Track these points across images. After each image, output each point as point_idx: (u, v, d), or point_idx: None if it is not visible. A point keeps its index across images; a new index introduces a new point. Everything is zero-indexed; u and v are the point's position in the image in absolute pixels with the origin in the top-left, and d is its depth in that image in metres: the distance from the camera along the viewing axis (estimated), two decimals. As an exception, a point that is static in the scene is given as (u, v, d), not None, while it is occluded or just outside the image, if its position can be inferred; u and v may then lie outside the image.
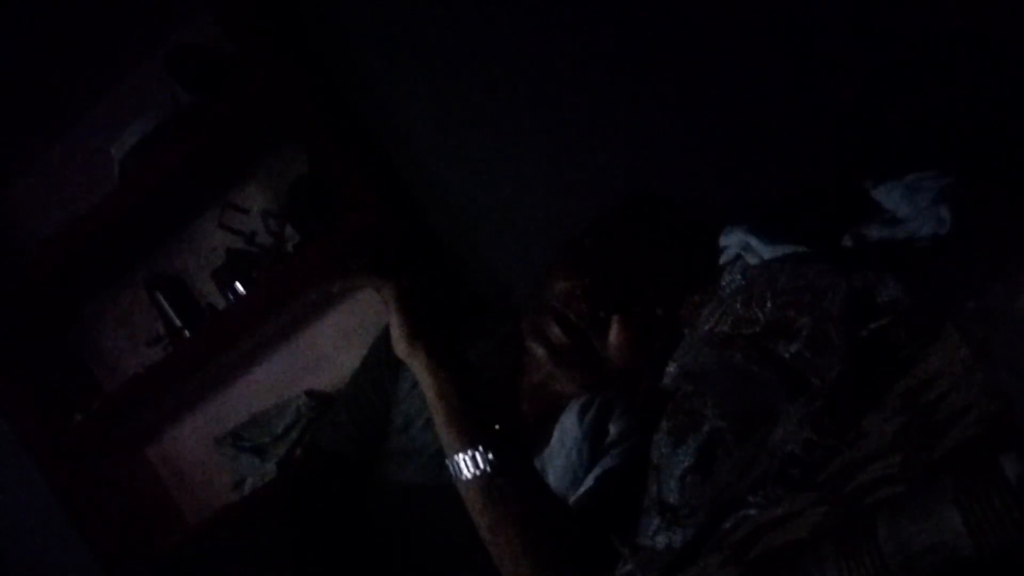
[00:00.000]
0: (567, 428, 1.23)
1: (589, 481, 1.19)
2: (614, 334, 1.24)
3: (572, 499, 1.17)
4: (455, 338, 1.08)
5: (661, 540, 0.97)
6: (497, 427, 1.05)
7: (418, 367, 1.06)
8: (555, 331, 1.25)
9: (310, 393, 2.14)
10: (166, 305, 2.17)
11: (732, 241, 1.19)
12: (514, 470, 1.05)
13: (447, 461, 1.05)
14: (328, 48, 1.99)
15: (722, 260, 1.20)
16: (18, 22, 1.93)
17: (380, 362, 1.46)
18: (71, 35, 1.97)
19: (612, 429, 1.22)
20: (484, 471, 1.02)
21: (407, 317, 1.06)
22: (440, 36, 1.90)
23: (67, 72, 2.06)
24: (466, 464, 1.03)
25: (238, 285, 2.08)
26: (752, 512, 0.93)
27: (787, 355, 0.98)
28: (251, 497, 2.05)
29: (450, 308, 1.11)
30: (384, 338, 1.48)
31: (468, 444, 1.03)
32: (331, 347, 2.15)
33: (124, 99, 2.17)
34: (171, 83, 2.03)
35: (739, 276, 1.13)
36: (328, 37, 1.99)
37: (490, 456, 1.02)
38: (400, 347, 1.07)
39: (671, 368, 1.13)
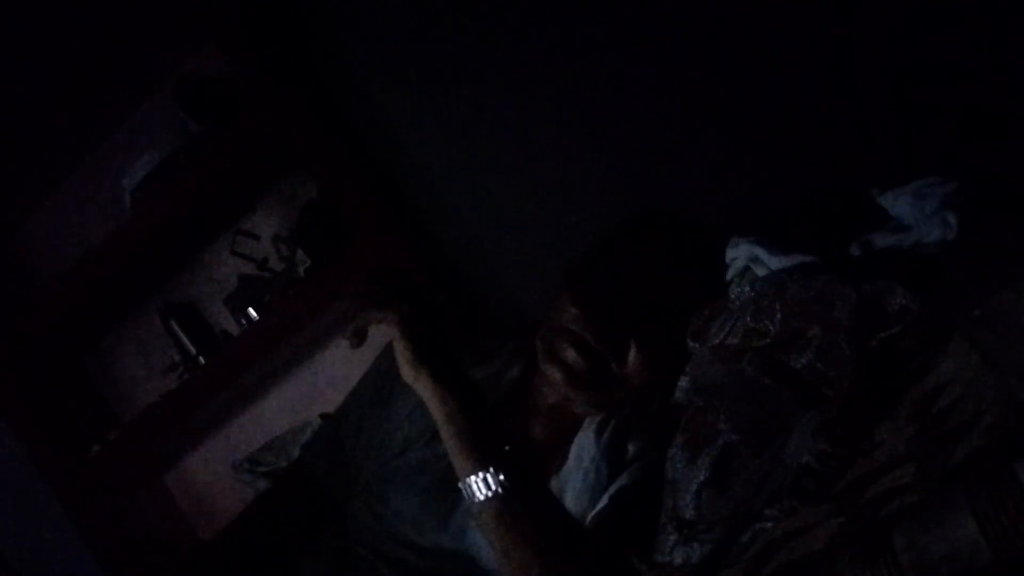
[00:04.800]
0: (584, 447, 1.23)
1: (606, 499, 1.18)
2: (632, 355, 1.23)
3: (590, 518, 1.16)
4: (459, 361, 1.08)
5: (679, 556, 0.97)
6: (508, 448, 1.05)
7: (424, 392, 1.06)
8: (571, 354, 1.24)
9: (324, 416, 2.14)
10: (180, 333, 2.18)
11: (739, 253, 1.19)
12: (527, 491, 1.04)
13: (460, 485, 1.05)
14: (334, 74, 2.01)
15: (730, 273, 1.20)
16: (28, 59, 1.95)
17: (375, 386, 1.46)
18: (80, 71, 2.00)
19: (630, 448, 1.21)
20: (496, 492, 1.02)
21: (410, 343, 1.06)
22: (447, 60, 1.91)
23: (77, 108, 2.09)
24: (478, 487, 1.03)
25: (251, 311, 2.09)
26: (768, 525, 0.93)
27: (798, 366, 0.99)
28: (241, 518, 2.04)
29: (453, 331, 1.11)
30: (381, 362, 1.48)
31: (479, 466, 1.03)
32: (345, 369, 2.15)
33: (134, 131, 2.20)
34: (180, 114, 2.05)
35: (747, 288, 1.13)
36: (334, 63, 2.01)
37: (501, 477, 1.02)
38: (405, 372, 1.07)
39: (683, 382, 1.13)
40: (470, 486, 1.04)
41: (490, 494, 1.02)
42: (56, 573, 2.28)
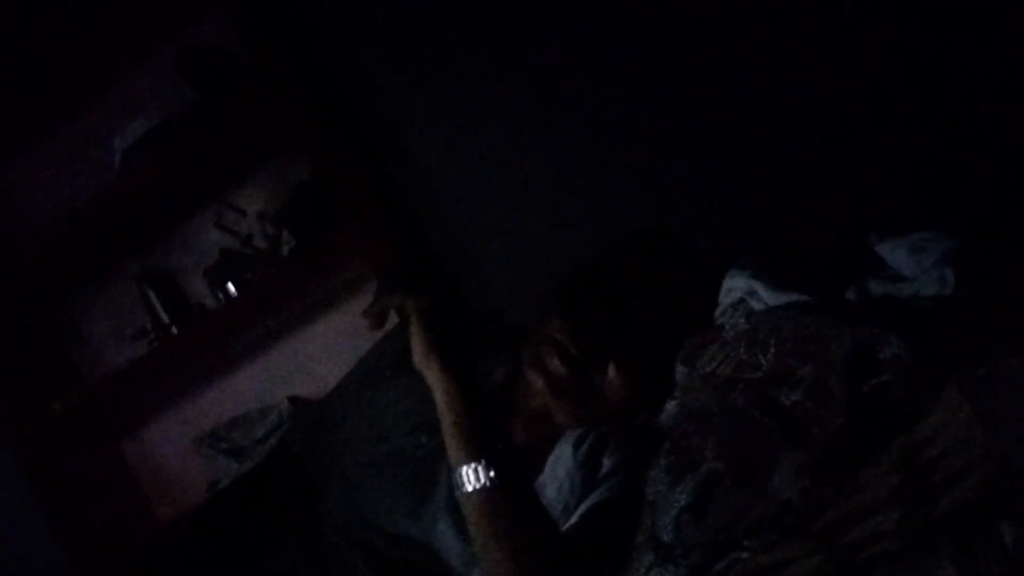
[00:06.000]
0: (561, 459, 1.24)
1: (580, 511, 1.20)
2: (613, 372, 1.25)
3: (562, 529, 1.17)
4: (468, 355, 1.11)
5: (653, 577, 0.98)
6: (502, 445, 1.08)
7: (431, 377, 1.09)
8: (555, 363, 1.25)
9: (293, 400, 2.14)
10: (155, 301, 2.16)
11: (737, 285, 1.20)
12: (513, 489, 1.06)
13: (452, 474, 1.07)
14: (338, 59, 2.01)
15: (726, 303, 1.22)
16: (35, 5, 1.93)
17: (363, 376, 1.46)
18: (86, 24, 1.97)
19: (606, 462, 1.22)
20: (484, 485, 1.04)
21: (426, 329, 1.08)
22: (452, 56, 1.92)
23: (78, 61, 2.06)
24: (467, 476, 1.05)
25: (230, 286, 2.08)
26: (745, 556, 0.94)
27: (788, 403, 1.00)
28: (221, 495, 2.03)
29: (468, 327, 1.13)
30: (371, 354, 1.48)
31: (471, 457, 1.05)
32: (317, 356, 2.15)
33: (132, 93, 2.18)
34: (180, 81, 2.03)
35: (743, 320, 1.15)
36: (339, 48, 2.01)
37: (491, 472, 1.04)
38: (417, 357, 1.09)
39: (670, 405, 1.14)
40: (460, 475, 1.06)
41: (478, 485, 1.05)
42: (5, 521, 2.24)
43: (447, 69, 1.93)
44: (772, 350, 1.05)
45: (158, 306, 2.15)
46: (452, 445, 1.07)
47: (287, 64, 1.94)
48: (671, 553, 0.98)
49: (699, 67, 1.71)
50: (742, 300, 1.19)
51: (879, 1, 1.60)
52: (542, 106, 1.85)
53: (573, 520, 1.18)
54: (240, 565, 1.42)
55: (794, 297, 1.12)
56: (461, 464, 1.06)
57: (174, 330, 2.13)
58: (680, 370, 1.19)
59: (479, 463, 1.05)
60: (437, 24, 1.93)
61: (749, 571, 0.91)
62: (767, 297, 1.15)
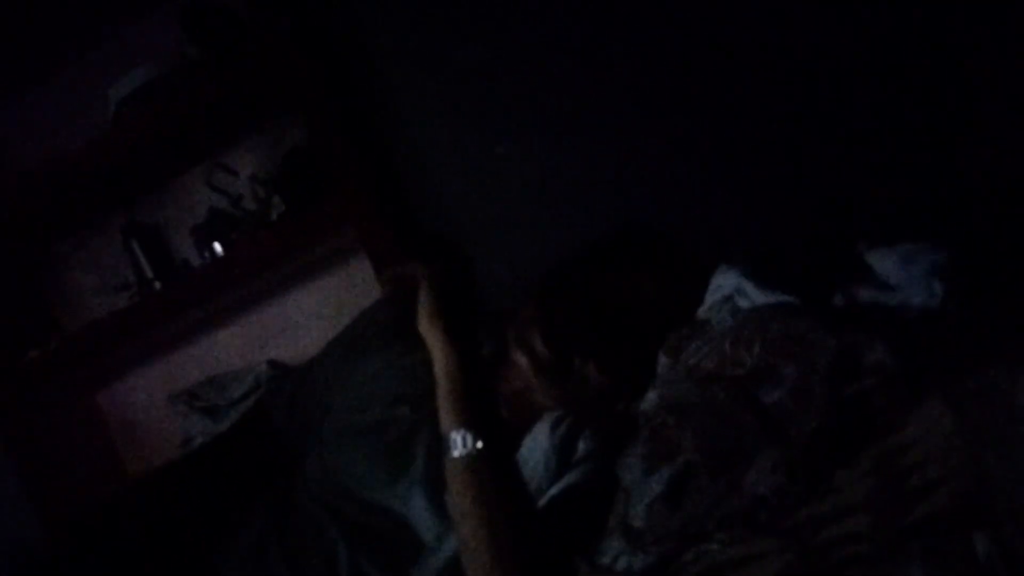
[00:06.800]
0: (538, 440, 1.25)
1: (550, 493, 1.21)
2: (594, 358, 1.26)
3: (534, 509, 1.18)
4: (473, 328, 1.12)
5: (622, 563, 0.99)
6: (492, 417, 1.09)
7: (433, 342, 1.11)
8: (539, 343, 1.27)
9: (272, 363, 2.14)
10: (140, 254, 2.16)
11: (726, 281, 1.21)
12: (499, 459, 1.07)
13: (443, 437, 1.08)
14: (342, 28, 1.99)
15: (713, 299, 1.22)
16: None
17: (348, 344, 1.46)
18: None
19: (581, 446, 1.24)
20: (471, 452, 1.06)
21: (436, 296, 1.11)
22: (453, 38, 1.91)
23: (80, 6, 2.03)
24: (455, 442, 1.07)
25: (216, 245, 2.07)
26: (715, 547, 0.95)
27: (769, 401, 1.01)
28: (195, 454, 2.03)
29: (475, 298, 1.15)
30: (357, 323, 1.48)
31: (461, 424, 1.07)
32: (300, 321, 2.15)
33: (131, 44, 2.16)
34: (181, 35, 2.01)
35: (729, 317, 1.15)
36: (343, 18, 1.99)
37: (479, 443, 1.06)
38: (422, 321, 1.11)
39: (651, 395, 1.15)
40: (449, 439, 1.07)
41: (465, 451, 1.06)
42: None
43: (446, 43, 1.92)
44: (757, 348, 1.06)
45: (142, 260, 2.14)
46: (445, 409, 1.09)
47: (289, 27, 1.93)
48: (641, 540, 0.99)
49: (692, 66, 1.71)
50: (730, 297, 1.20)
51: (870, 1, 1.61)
52: (537, 88, 1.85)
53: (544, 501, 1.20)
54: (209, 525, 1.42)
55: (782, 298, 1.13)
56: (452, 429, 1.07)
57: (157, 285, 2.13)
58: (663, 361, 1.20)
59: (469, 430, 1.06)
60: (444, 10, 1.92)
61: (717, 564, 0.92)
62: (755, 296, 1.16)
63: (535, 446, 1.26)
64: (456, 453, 1.06)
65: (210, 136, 2.10)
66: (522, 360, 1.27)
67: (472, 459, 1.06)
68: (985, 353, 0.76)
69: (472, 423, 1.07)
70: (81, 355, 2.13)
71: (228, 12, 2.02)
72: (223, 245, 2.06)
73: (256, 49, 1.93)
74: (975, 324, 0.96)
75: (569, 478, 1.22)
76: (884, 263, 1.17)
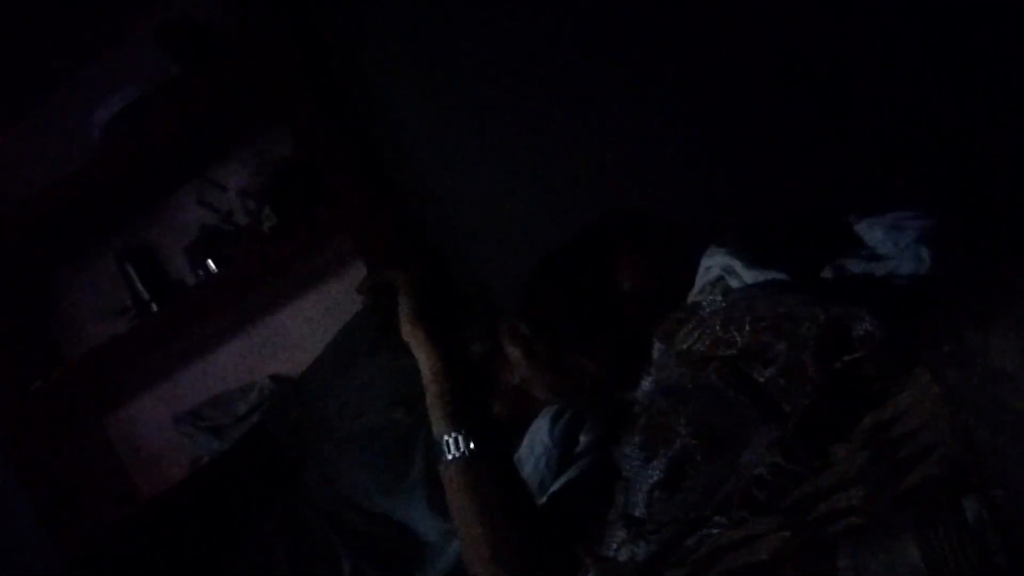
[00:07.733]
0: (538, 435, 1.25)
1: (553, 488, 1.20)
2: (587, 351, 1.25)
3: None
4: (455, 330, 1.14)
5: (624, 553, 0.98)
6: (483, 416, 1.10)
7: (417, 347, 1.12)
8: (530, 334, 1.26)
9: (274, 377, 2.14)
10: (135, 277, 2.16)
11: (715, 262, 1.19)
12: (494, 459, 1.08)
13: (434, 443, 1.09)
14: (325, 34, 1.98)
15: (703, 280, 1.21)
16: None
17: (339, 353, 1.46)
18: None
19: (582, 440, 1.23)
20: (463, 454, 1.06)
21: (415, 301, 1.12)
22: (438, 36, 1.90)
23: (58, 33, 2.04)
24: (447, 445, 1.07)
25: (210, 263, 2.07)
26: (716, 531, 0.94)
27: (762, 379, 1.00)
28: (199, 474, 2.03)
29: (455, 300, 1.15)
30: (346, 331, 1.48)
31: (452, 427, 1.07)
32: (298, 333, 2.14)
33: (113, 66, 2.16)
34: (161, 54, 2.01)
35: (719, 298, 1.14)
36: (326, 24, 1.98)
37: (471, 444, 1.06)
38: (405, 328, 1.12)
39: (646, 382, 1.14)
40: (441, 443, 1.08)
41: (458, 454, 1.06)
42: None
43: (434, 45, 1.92)
44: (747, 327, 1.05)
45: (138, 283, 2.15)
46: (435, 414, 1.09)
47: (271, 38, 1.92)
48: (643, 529, 0.98)
49: (679, 49, 1.70)
50: (720, 278, 1.18)
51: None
52: (526, 86, 1.84)
53: (546, 497, 1.19)
54: (219, 543, 1.42)
55: (772, 275, 1.12)
56: (443, 433, 1.07)
57: (154, 307, 2.12)
58: (657, 347, 1.19)
59: (460, 433, 1.06)
60: (428, 8, 1.91)
61: (719, 547, 0.91)
62: (745, 275, 1.14)
63: (536, 442, 1.26)
64: (450, 456, 1.07)
65: (197, 152, 2.11)
66: (515, 353, 1.27)
67: (466, 461, 1.06)
68: (961, 316, 0.75)
69: (463, 425, 1.07)
70: (84, 383, 2.13)
71: (205, 26, 2.02)
72: (216, 262, 2.06)
73: (236, 61, 1.92)
74: (957, 289, 0.95)
75: (570, 472, 1.22)
76: (872, 233, 1.16)
